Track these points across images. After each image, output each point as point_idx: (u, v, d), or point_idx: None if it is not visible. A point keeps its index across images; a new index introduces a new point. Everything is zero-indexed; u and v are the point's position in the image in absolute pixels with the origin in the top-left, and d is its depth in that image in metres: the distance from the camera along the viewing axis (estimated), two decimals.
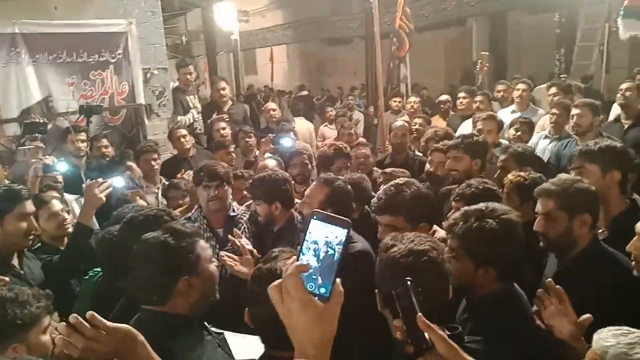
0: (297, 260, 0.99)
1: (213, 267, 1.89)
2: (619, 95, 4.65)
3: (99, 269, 2.59)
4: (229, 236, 2.71)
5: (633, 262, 1.78)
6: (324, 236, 1.01)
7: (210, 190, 3.06)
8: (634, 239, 1.75)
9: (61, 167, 3.74)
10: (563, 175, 2.29)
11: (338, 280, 0.99)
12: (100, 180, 3.04)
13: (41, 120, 4.56)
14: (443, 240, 1.98)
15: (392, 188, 2.33)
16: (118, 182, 3.37)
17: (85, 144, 4.43)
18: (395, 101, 6.90)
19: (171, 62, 15.48)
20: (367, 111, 8.46)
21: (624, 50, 9.12)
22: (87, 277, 2.65)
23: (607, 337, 1.25)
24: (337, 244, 1.01)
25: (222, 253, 2.54)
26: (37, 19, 5.15)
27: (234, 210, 3.24)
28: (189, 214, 3.24)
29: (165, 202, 4.03)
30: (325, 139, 7.08)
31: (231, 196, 3.32)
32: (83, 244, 2.87)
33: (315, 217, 1.03)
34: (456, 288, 1.86)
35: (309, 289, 0.97)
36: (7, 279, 2.20)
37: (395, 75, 7.89)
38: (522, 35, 13.57)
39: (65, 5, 5.30)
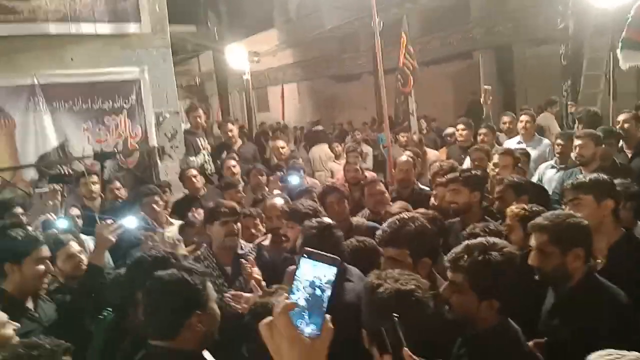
0: (288, 298, 1.03)
1: (216, 307, 2.00)
2: (618, 126, 4.71)
3: (110, 309, 2.65)
4: (241, 260, 2.74)
5: None
6: (314, 275, 1.04)
7: (229, 225, 3.10)
8: None
9: (61, 224, 3.78)
10: (557, 211, 2.33)
11: (328, 316, 1.02)
12: (110, 221, 3.14)
13: (65, 172, 4.72)
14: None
15: (397, 221, 2.36)
16: (130, 222, 3.44)
17: (97, 186, 4.57)
18: (402, 136, 7.00)
19: (185, 102, 15.90)
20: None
21: (630, 76, 9.17)
22: (101, 316, 2.70)
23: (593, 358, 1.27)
24: (326, 282, 1.04)
25: (227, 294, 2.58)
26: (54, 69, 5.40)
27: (242, 248, 3.30)
28: (198, 252, 3.29)
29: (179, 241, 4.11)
30: (334, 175, 7.17)
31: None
32: (94, 283, 2.94)
33: (305, 256, 1.06)
34: (458, 322, 1.90)
35: (299, 325, 1.00)
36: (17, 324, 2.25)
37: (402, 110, 8.03)
38: (529, 66, 13.69)
39: (81, 55, 5.57)
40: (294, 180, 4.98)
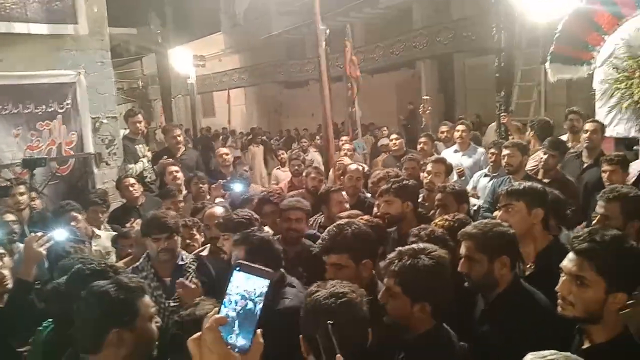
0: (219, 312, 1.00)
1: (152, 326, 1.90)
2: (585, 136, 4.75)
3: (50, 320, 2.56)
4: (177, 283, 2.70)
5: (560, 301, 1.81)
6: (246, 288, 1.02)
7: (160, 242, 3.03)
8: (563, 278, 1.80)
9: None
10: (485, 220, 2.44)
11: (259, 331, 1.01)
12: (39, 234, 2.99)
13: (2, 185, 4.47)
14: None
15: (335, 229, 2.41)
16: (60, 235, 3.30)
17: (25, 197, 4.33)
18: (342, 141, 7.13)
19: (127, 106, 15.40)
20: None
21: (561, 87, 9.74)
22: (40, 328, 2.60)
23: None
24: (258, 296, 1.02)
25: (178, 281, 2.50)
26: None
27: (182, 259, 3.23)
28: (137, 264, 3.21)
29: (108, 253, 3.98)
30: (279, 182, 7.16)
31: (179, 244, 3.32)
32: (23, 299, 2.82)
33: (238, 269, 1.04)
34: (393, 327, 1.95)
35: (229, 340, 0.98)
36: None
37: (351, 118, 8.18)
38: (468, 76, 14.29)
39: (12, 56, 5.27)
40: (237, 187, 4.93)
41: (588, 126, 4.81)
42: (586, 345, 1.81)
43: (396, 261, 1.94)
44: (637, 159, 4.84)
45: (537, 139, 5.24)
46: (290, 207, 3.58)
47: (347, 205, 4.11)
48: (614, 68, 5.09)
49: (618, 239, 1.79)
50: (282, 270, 2.68)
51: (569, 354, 1.34)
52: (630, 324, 1.87)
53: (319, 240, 2.56)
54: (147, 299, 1.90)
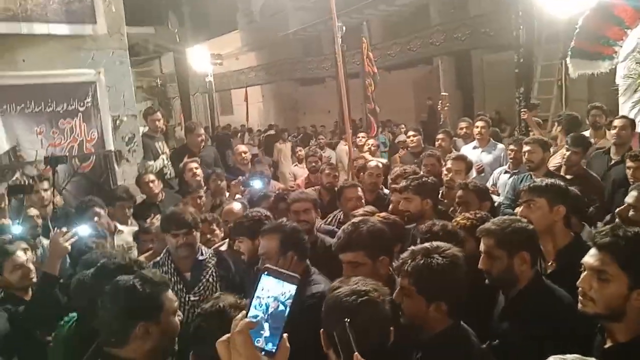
0: (247, 315, 1.02)
1: (175, 320, 1.94)
2: (614, 132, 4.71)
3: (73, 315, 2.61)
4: None
5: (580, 298, 1.79)
6: (274, 292, 1.04)
7: (179, 238, 3.07)
8: (584, 274, 1.77)
9: (16, 230, 3.65)
10: (504, 216, 2.42)
11: (285, 335, 1.03)
12: (64, 229, 3.06)
13: (26, 183, 4.55)
14: None
15: (350, 226, 2.43)
16: (83, 230, 3.37)
17: (48, 193, 4.42)
18: (358, 137, 7.12)
19: (147, 104, 15.58)
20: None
21: (582, 83, 9.59)
22: (62, 323, 2.65)
23: None
24: (286, 299, 1.04)
25: None
26: (5, 70, 5.19)
27: (202, 254, 3.25)
28: (157, 259, 3.24)
29: (130, 248, 4.03)
30: (296, 179, 7.17)
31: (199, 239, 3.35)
32: (48, 293, 2.88)
33: (266, 273, 1.06)
34: (408, 327, 1.94)
35: (256, 344, 1.00)
36: None
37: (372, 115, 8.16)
38: (486, 72, 14.12)
39: (33, 57, 5.37)
40: (256, 184, 4.96)
41: (617, 122, 4.74)
42: (608, 344, 1.77)
43: (409, 261, 1.93)
44: None
45: (565, 135, 5.15)
46: (294, 199, 3.61)
47: (363, 202, 4.07)
48: (637, 63, 4.99)
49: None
50: (307, 261, 2.70)
51: (592, 359, 1.31)
52: None
53: (335, 238, 2.57)
54: (170, 293, 1.94)
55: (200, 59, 16.76)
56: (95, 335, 2.11)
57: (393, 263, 2.41)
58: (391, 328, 1.64)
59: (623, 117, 4.82)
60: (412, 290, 1.90)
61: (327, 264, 2.73)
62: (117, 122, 5.88)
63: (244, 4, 22.13)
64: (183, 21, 17.85)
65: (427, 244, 1.98)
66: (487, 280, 2.19)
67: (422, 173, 4.00)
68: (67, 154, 5.34)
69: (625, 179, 3.93)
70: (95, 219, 3.99)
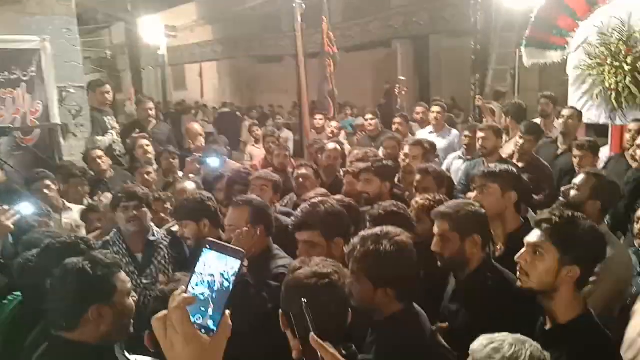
0: (186, 291, 0.96)
1: (129, 301, 1.91)
2: (561, 121, 4.84)
3: (17, 294, 2.54)
4: None
5: (518, 274, 1.91)
6: (217, 267, 0.98)
7: (129, 211, 3.02)
8: (522, 250, 1.89)
9: None
10: (457, 200, 2.48)
11: (227, 312, 0.97)
12: (6, 207, 2.91)
13: None
14: None
15: (308, 206, 2.46)
16: (26, 208, 3.23)
17: None
18: (315, 119, 7.07)
19: (95, 76, 14.89)
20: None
21: (534, 72, 9.89)
22: (5, 302, 2.57)
23: (476, 343, 1.38)
24: (231, 275, 0.98)
25: None
26: None
27: (153, 234, 3.19)
28: (107, 237, 3.16)
29: (78, 227, 3.88)
30: (253, 159, 7.09)
31: (150, 220, 3.26)
32: None
33: (208, 247, 1.00)
34: (360, 310, 1.96)
35: (196, 321, 0.95)
36: None
37: (324, 93, 8.10)
38: (443, 58, 14.29)
39: None
40: (212, 162, 4.85)
41: (565, 112, 4.88)
42: (548, 326, 1.86)
43: (359, 247, 1.94)
44: (607, 144, 4.97)
45: (516, 124, 5.29)
46: (257, 176, 3.65)
47: (316, 183, 4.08)
48: (586, 54, 5.16)
49: (575, 215, 1.86)
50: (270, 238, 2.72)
51: (519, 335, 1.37)
52: (590, 303, 1.94)
53: (292, 218, 2.58)
54: (122, 274, 1.92)
55: (153, 30, 16.12)
56: (40, 317, 2.04)
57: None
58: (349, 310, 1.65)
59: (571, 107, 5.00)
60: (360, 275, 1.91)
61: (282, 244, 2.74)
62: (64, 93, 5.60)
63: None
64: None
65: (377, 230, 1.98)
66: (439, 262, 2.24)
67: (382, 156, 4.03)
68: (10, 125, 5.04)
69: (572, 168, 4.10)
70: (45, 191, 3.82)
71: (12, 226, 2.89)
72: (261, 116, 14.90)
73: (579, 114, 4.88)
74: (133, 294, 1.97)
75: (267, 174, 3.73)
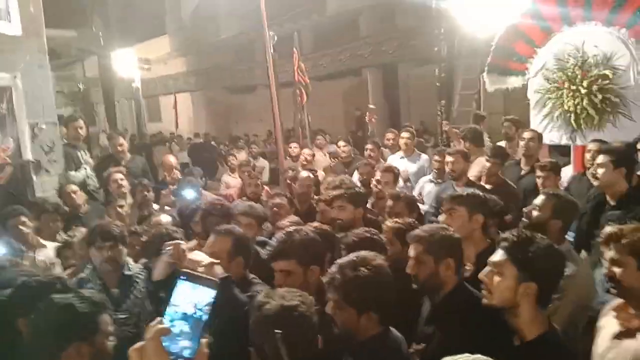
0: (162, 322, 1.00)
1: (109, 344, 1.90)
2: (522, 143, 4.99)
3: None
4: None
5: (483, 291, 1.99)
6: (192, 297, 1.01)
7: (104, 251, 3.01)
8: (486, 268, 1.99)
9: None
10: (432, 224, 2.57)
11: (203, 341, 1.01)
12: None
13: None
14: None
15: (283, 235, 2.49)
16: None
17: None
18: (290, 147, 7.18)
19: (68, 110, 14.70)
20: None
21: (499, 96, 10.23)
22: None
23: None
24: (204, 305, 1.01)
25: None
26: None
27: (129, 269, 3.17)
28: (83, 275, 3.12)
29: (53, 264, 3.83)
30: (229, 188, 7.11)
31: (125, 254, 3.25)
32: None
33: (182, 278, 1.03)
34: (342, 336, 2.00)
35: (172, 350, 0.98)
36: None
37: (298, 122, 8.24)
38: (411, 85, 14.69)
39: None
40: (188, 194, 4.84)
41: (526, 134, 5.05)
42: (516, 343, 1.94)
43: (338, 275, 1.99)
44: (570, 164, 5.18)
45: (475, 147, 5.47)
46: (242, 212, 3.61)
47: (289, 211, 4.12)
48: (545, 79, 5.41)
49: (532, 234, 1.97)
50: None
51: (479, 355, 1.43)
52: (555, 320, 2.03)
53: (267, 247, 2.62)
54: (107, 316, 1.92)
55: (127, 63, 16.12)
56: (13, 358, 2.02)
57: (325, 271, 2.49)
58: (319, 337, 1.69)
59: (531, 130, 5.19)
60: (342, 303, 1.96)
61: (260, 275, 2.75)
62: (36, 130, 5.56)
63: (173, 7, 21.61)
64: (108, 23, 17.16)
65: (353, 256, 2.05)
66: (414, 285, 2.31)
67: (355, 182, 4.11)
68: None
69: (535, 188, 4.25)
70: (20, 227, 3.80)
71: None
72: (235, 146, 14.94)
73: (539, 136, 5.07)
74: (113, 337, 1.96)
75: (252, 209, 3.69)
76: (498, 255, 1.96)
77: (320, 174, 6.32)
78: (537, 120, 5.53)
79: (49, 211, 4.34)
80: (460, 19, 7.29)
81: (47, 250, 3.99)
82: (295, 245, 2.40)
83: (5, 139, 5.35)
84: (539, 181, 4.22)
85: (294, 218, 3.66)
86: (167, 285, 3.11)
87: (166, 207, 4.93)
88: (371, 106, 7.41)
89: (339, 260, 2.07)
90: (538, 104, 5.52)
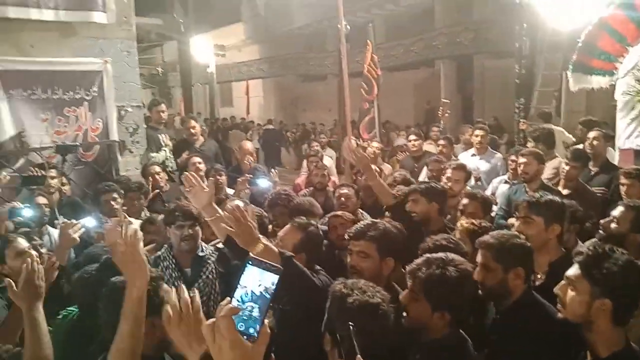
0: (231, 302, 1.10)
1: None
2: (587, 143, 4.81)
3: (71, 308, 2.63)
4: (185, 174, 2.73)
5: (558, 305, 1.95)
6: (258, 281, 1.12)
7: (184, 229, 3.09)
8: (562, 282, 1.94)
9: (26, 213, 3.70)
10: (504, 230, 2.50)
11: (266, 321, 1.11)
12: (74, 221, 3.12)
13: (38, 174, 4.58)
14: None
15: (370, 220, 2.56)
16: (89, 222, 3.45)
17: (56, 180, 4.48)
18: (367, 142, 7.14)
19: (147, 92, 15.43)
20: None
21: (581, 95, 9.68)
22: (60, 316, 2.66)
23: None
24: (269, 289, 1.12)
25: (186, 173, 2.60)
26: (12, 56, 5.23)
27: (202, 250, 3.26)
28: (159, 253, 3.25)
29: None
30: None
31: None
32: (55, 283, 2.90)
33: (250, 263, 1.14)
34: (412, 330, 2.03)
35: (239, 329, 1.08)
36: None
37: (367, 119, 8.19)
38: (487, 78, 14.16)
39: (41, 43, 5.41)
40: (262, 183, 4.96)
41: (590, 134, 4.85)
42: (588, 359, 1.88)
43: (424, 268, 1.99)
44: None
45: (547, 149, 5.23)
46: (335, 215, 3.65)
47: (355, 202, 4.13)
48: (636, 80, 5.07)
49: (608, 249, 1.90)
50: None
51: None
52: (632, 337, 1.95)
53: (352, 228, 2.61)
54: (165, 285, 2.01)
55: (203, 49, 16.74)
56: (97, 332, 2.14)
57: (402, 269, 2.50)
58: (394, 335, 1.73)
59: (596, 129, 4.96)
60: (420, 296, 1.98)
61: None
62: (122, 112, 5.94)
63: None
64: (187, 10, 17.85)
65: (442, 255, 2.05)
66: (480, 291, 2.28)
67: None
68: (78, 144, 5.39)
69: (606, 190, 4.07)
70: (112, 203, 4.02)
71: (77, 239, 3.06)
72: (303, 133, 15.12)
73: (604, 135, 4.86)
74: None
75: (343, 213, 3.73)
76: (573, 270, 1.91)
77: (387, 167, 6.30)
78: (623, 124, 5.21)
79: (133, 189, 4.51)
80: (543, 12, 6.93)
81: (133, 227, 4.23)
82: (378, 231, 2.42)
83: (95, 120, 5.75)
84: (623, 189, 3.98)
85: (349, 215, 3.65)
86: (238, 270, 3.27)
87: (241, 194, 5.06)
88: (445, 100, 7.21)
89: (428, 255, 2.08)
90: (626, 106, 5.19)
